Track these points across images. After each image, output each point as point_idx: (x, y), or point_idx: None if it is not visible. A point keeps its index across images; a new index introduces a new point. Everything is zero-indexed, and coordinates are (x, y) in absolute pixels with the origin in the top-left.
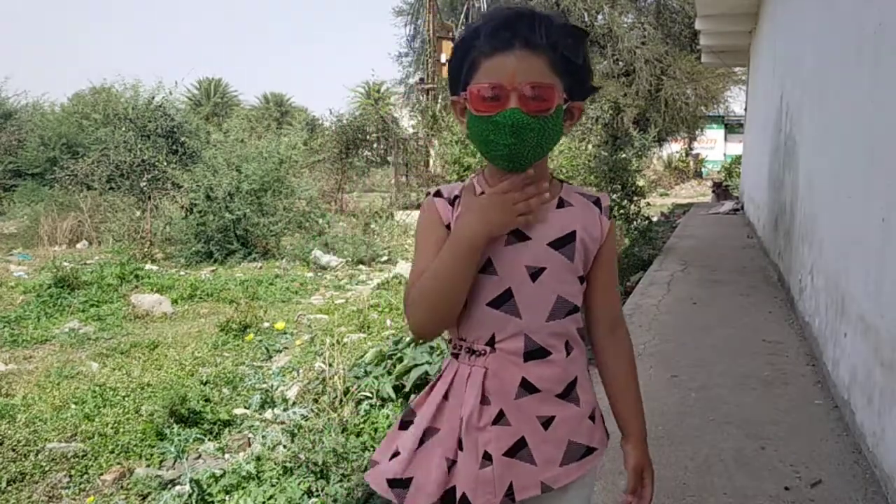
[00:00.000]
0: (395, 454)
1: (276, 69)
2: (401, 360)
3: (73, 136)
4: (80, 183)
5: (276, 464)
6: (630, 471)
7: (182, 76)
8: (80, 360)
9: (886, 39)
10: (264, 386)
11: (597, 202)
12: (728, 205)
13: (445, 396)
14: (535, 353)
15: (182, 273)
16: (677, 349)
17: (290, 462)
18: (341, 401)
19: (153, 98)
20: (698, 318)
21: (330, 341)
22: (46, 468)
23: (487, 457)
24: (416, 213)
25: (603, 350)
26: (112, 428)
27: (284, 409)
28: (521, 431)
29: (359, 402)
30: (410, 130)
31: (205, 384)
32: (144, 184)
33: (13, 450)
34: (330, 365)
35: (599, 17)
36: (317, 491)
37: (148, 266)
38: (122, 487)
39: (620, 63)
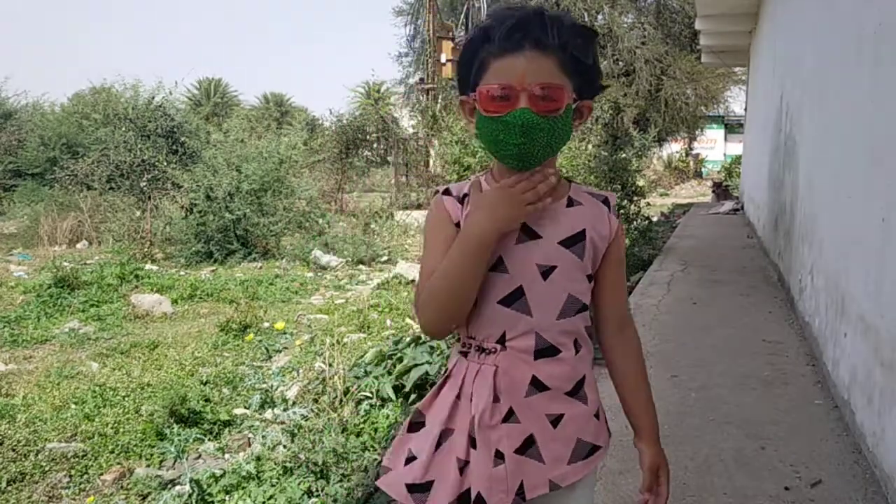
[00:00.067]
0: (411, 458)
1: (276, 69)
2: (401, 360)
3: (73, 136)
4: (80, 183)
5: (276, 464)
6: (646, 469)
7: (182, 76)
8: (80, 360)
9: (886, 39)
10: (264, 386)
11: (605, 201)
12: (728, 205)
13: (458, 396)
14: (545, 351)
15: (182, 273)
16: (677, 349)
17: (290, 462)
18: (341, 401)
19: (153, 98)
20: (698, 318)
21: (330, 341)
22: (46, 468)
23: (499, 455)
24: (416, 213)
25: (612, 349)
26: (112, 428)
27: (284, 409)
28: (530, 429)
29: (359, 402)
30: (410, 130)
31: (205, 384)
32: (144, 184)
33: (13, 450)
34: (330, 365)
35: (599, 17)
36: (317, 491)
37: (148, 266)
38: (122, 487)
39: (620, 63)
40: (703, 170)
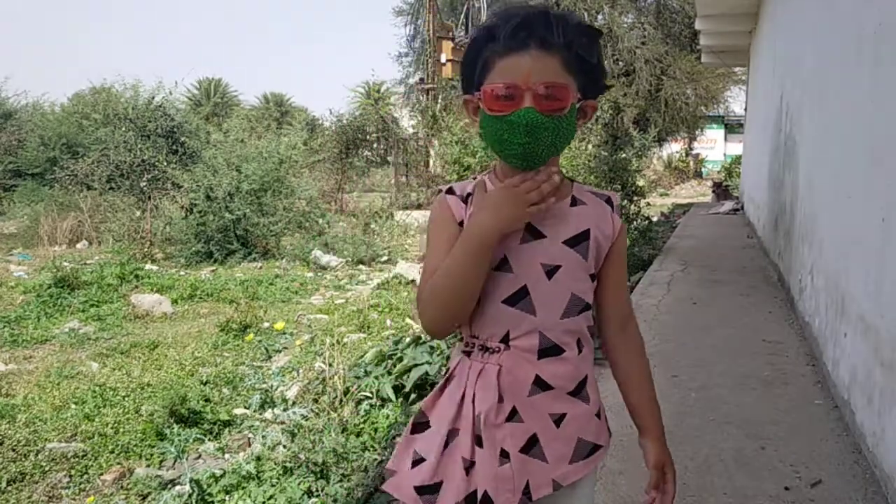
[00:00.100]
0: (418, 460)
1: (276, 69)
2: (401, 360)
3: (73, 136)
4: (80, 183)
5: (276, 464)
6: (651, 468)
7: (182, 76)
8: (80, 360)
9: (886, 39)
10: (264, 386)
11: (608, 201)
12: (728, 205)
13: (462, 396)
14: (548, 350)
15: (182, 273)
16: (677, 349)
17: (290, 462)
18: (341, 401)
19: (153, 98)
20: (698, 318)
21: (330, 341)
22: (46, 468)
23: (504, 454)
24: (416, 213)
25: (615, 348)
26: (112, 428)
27: (284, 409)
28: (533, 428)
29: (359, 402)
30: (410, 130)
31: (205, 384)
32: (144, 184)
33: (13, 450)
34: (330, 365)
35: (599, 17)
36: (317, 491)
37: (148, 266)
38: (122, 487)
39: (620, 63)
40: (703, 170)
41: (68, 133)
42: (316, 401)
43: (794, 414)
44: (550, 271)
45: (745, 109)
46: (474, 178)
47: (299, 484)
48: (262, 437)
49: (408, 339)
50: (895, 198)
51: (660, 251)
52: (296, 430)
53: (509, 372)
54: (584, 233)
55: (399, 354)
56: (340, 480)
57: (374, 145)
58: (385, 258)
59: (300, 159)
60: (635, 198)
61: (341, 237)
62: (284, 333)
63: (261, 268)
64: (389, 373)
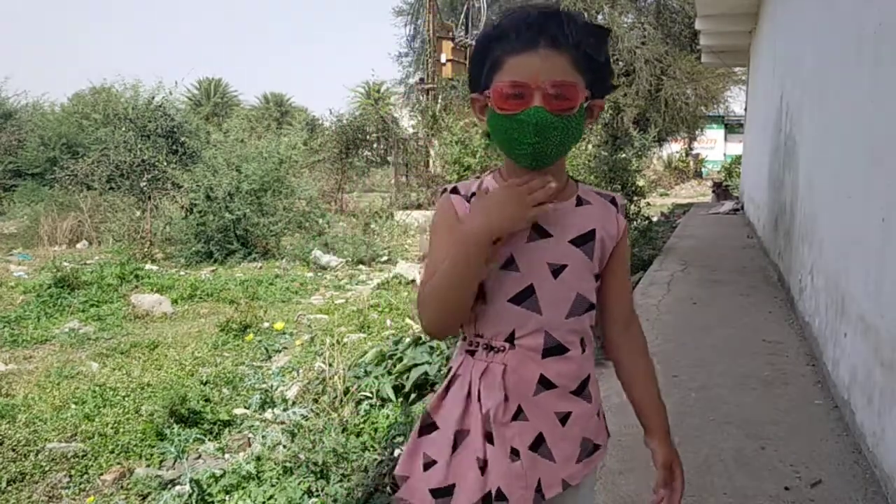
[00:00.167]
0: (429, 463)
1: (276, 69)
2: (401, 360)
3: (73, 136)
4: (80, 183)
5: (276, 464)
6: (659, 466)
7: (182, 76)
8: (80, 360)
9: (886, 39)
10: (264, 386)
11: (613, 201)
12: (728, 205)
13: (468, 395)
14: (553, 349)
15: (182, 273)
16: (677, 349)
17: (290, 462)
18: (341, 401)
19: (153, 98)
20: (698, 318)
21: (330, 341)
22: (46, 468)
23: (514, 452)
24: (416, 213)
25: (618, 347)
26: (112, 428)
27: (284, 409)
28: (539, 427)
29: (359, 402)
30: (410, 130)
31: (205, 384)
32: (144, 184)
33: (13, 450)
34: (330, 365)
35: (599, 17)
36: (317, 491)
37: (148, 266)
38: (122, 487)
39: (620, 63)
40: (703, 170)
41: (68, 133)
42: (316, 401)
43: (794, 414)
44: (556, 271)
45: (745, 109)
46: (478, 178)
47: (299, 484)
48: (262, 437)
49: (408, 339)
50: (895, 198)
51: (660, 251)
52: (296, 430)
53: (515, 371)
54: (589, 232)
55: (399, 354)
56: (340, 480)
57: (374, 145)
58: (385, 258)
59: (300, 159)
60: (635, 198)
61: (341, 237)
62: (284, 333)
63: (261, 268)
64: (389, 373)
